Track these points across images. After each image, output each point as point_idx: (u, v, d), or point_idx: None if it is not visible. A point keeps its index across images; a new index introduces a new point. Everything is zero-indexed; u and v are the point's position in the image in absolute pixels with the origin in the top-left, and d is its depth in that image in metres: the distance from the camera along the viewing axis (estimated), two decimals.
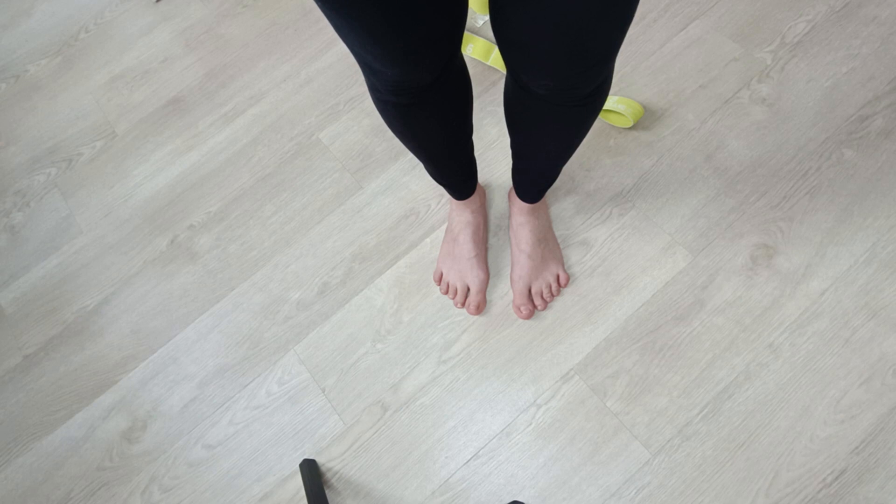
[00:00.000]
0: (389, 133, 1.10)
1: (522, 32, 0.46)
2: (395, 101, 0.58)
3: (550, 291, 0.91)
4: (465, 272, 0.92)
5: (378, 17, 0.44)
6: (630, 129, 1.02)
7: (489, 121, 1.07)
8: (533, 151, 0.71)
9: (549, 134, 0.64)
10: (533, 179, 0.80)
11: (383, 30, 0.46)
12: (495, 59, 1.11)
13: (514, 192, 0.91)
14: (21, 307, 1.07)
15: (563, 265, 0.93)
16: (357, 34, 0.47)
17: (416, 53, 0.50)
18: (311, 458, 0.88)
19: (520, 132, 0.68)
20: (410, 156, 1.07)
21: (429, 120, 0.63)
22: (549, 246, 0.92)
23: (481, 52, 1.11)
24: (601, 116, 1.04)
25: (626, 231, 0.95)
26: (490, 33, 1.16)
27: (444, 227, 1.00)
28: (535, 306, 0.91)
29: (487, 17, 1.18)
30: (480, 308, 0.92)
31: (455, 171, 0.79)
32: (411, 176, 1.05)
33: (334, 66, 1.19)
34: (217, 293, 1.02)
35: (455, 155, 0.75)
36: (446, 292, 0.94)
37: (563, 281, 0.91)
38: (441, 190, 1.03)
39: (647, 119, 1.03)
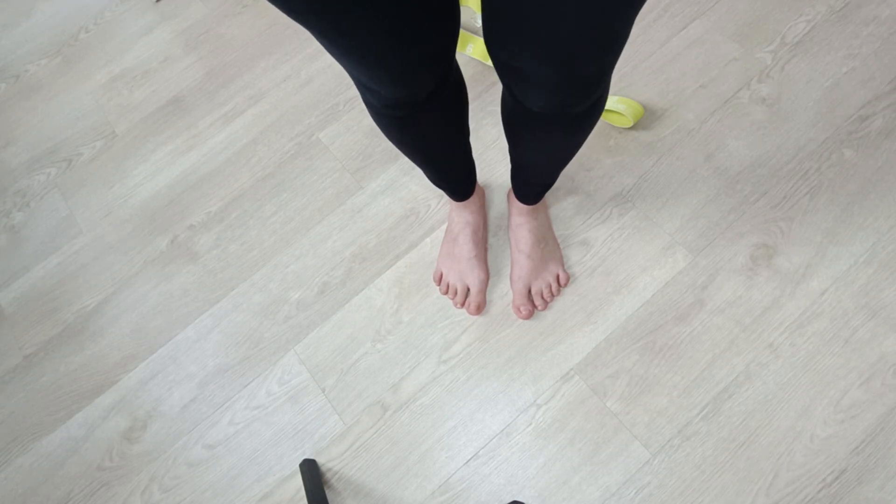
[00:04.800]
0: None
1: (514, 58, 0.46)
2: (392, 114, 0.58)
3: (550, 291, 0.91)
4: (465, 272, 0.92)
5: (371, 45, 0.44)
6: (630, 129, 1.02)
7: (489, 121, 1.07)
8: (531, 160, 0.71)
9: (547, 145, 0.64)
10: (531, 185, 0.80)
11: (377, 56, 0.45)
12: None
13: (513, 194, 0.91)
14: (21, 307, 1.07)
15: (562, 265, 0.93)
16: (350, 60, 0.47)
17: (412, 73, 0.50)
18: (311, 458, 0.88)
19: (518, 143, 0.68)
20: None
21: (426, 129, 0.63)
22: (548, 246, 0.92)
23: (481, 52, 1.11)
24: (601, 116, 1.04)
25: (626, 231, 0.95)
26: None
27: (443, 227, 1.00)
28: (534, 306, 0.91)
29: None
30: (480, 308, 0.92)
31: (453, 174, 0.79)
32: (411, 176, 1.05)
33: (334, 65, 1.19)
34: (217, 293, 1.02)
35: (453, 159, 0.75)
36: (446, 292, 0.94)
37: (562, 281, 0.91)
38: (441, 190, 1.03)
39: (647, 119, 1.03)
